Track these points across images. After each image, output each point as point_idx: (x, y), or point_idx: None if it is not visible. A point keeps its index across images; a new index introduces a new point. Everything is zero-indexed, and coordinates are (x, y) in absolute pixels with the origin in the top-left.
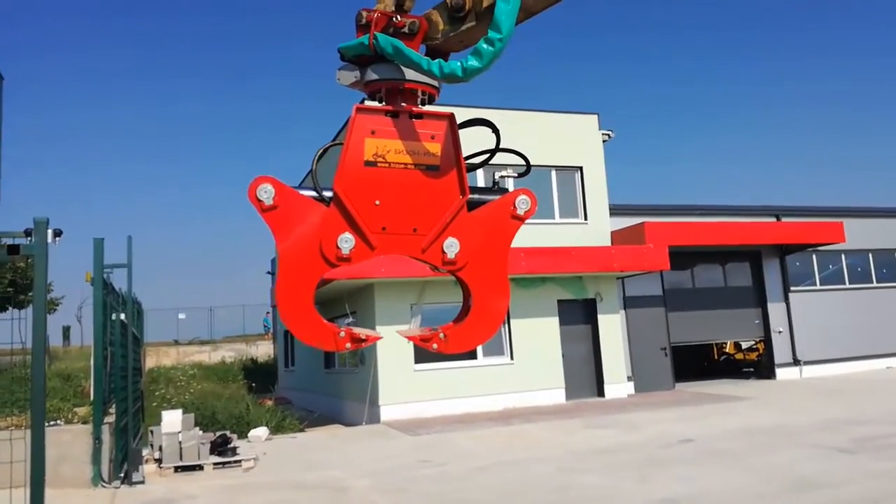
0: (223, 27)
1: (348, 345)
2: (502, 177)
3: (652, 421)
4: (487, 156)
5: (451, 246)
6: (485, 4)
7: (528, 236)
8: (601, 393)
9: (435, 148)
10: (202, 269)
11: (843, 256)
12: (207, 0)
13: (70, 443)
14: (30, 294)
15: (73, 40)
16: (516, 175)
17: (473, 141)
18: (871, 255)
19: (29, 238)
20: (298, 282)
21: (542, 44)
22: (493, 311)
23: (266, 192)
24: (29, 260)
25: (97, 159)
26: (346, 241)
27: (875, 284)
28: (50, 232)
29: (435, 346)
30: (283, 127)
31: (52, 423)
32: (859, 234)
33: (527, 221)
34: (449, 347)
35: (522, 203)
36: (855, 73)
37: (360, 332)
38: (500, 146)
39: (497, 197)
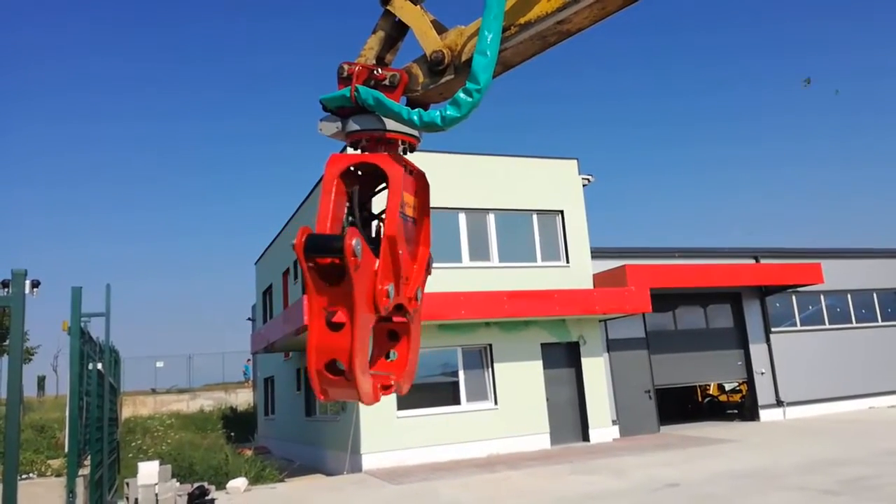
0: (217, 75)
1: (380, 392)
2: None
3: (638, 465)
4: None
5: (419, 292)
6: (463, 58)
7: (511, 279)
8: (586, 437)
9: (419, 202)
10: (181, 316)
11: (822, 297)
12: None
13: (43, 496)
14: (4, 344)
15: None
16: None
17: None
18: (849, 296)
19: (6, 289)
20: (366, 340)
21: (523, 90)
22: (417, 347)
23: (361, 249)
24: (5, 310)
25: (78, 205)
26: (393, 289)
27: (854, 325)
28: (28, 283)
29: (395, 392)
30: (266, 168)
31: (24, 476)
32: (837, 275)
33: (509, 265)
34: (403, 389)
35: (431, 261)
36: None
37: (386, 375)
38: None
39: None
